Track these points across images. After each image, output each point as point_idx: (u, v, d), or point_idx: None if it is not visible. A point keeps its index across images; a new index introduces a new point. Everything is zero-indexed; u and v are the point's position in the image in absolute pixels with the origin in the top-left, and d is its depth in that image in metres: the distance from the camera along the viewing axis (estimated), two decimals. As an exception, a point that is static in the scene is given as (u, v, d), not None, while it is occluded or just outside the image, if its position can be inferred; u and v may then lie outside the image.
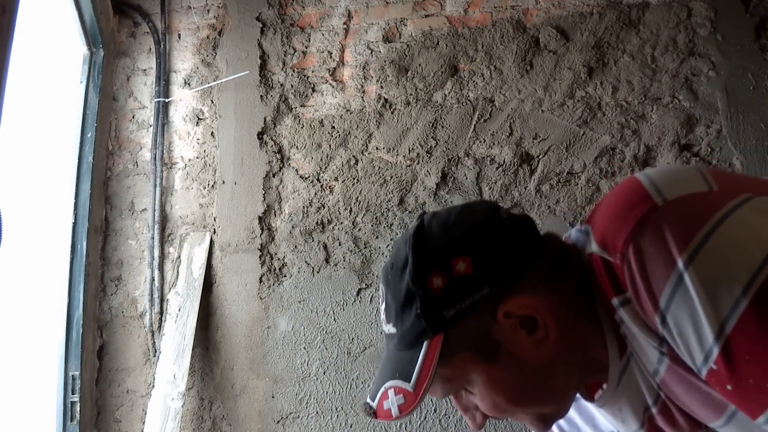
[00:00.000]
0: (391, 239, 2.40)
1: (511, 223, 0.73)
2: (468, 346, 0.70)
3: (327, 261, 2.43)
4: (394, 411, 0.70)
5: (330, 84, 2.57)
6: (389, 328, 0.74)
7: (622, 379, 0.73)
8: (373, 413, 0.74)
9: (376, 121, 2.50)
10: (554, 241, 0.75)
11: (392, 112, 2.49)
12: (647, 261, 0.61)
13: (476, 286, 0.69)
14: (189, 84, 2.66)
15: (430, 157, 2.44)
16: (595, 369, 0.74)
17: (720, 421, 0.67)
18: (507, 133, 2.41)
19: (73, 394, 2.33)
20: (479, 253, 0.69)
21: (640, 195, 0.64)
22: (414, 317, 0.70)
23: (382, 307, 0.75)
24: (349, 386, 2.33)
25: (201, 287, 2.44)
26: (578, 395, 0.80)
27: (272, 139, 2.56)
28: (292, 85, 2.58)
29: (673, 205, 0.62)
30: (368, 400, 0.74)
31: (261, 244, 2.48)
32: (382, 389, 0.72)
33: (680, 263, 0.59)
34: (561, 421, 0.90)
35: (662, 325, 0.62)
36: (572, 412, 0.90)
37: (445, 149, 2.43)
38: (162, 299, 2.47)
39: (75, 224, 2.45)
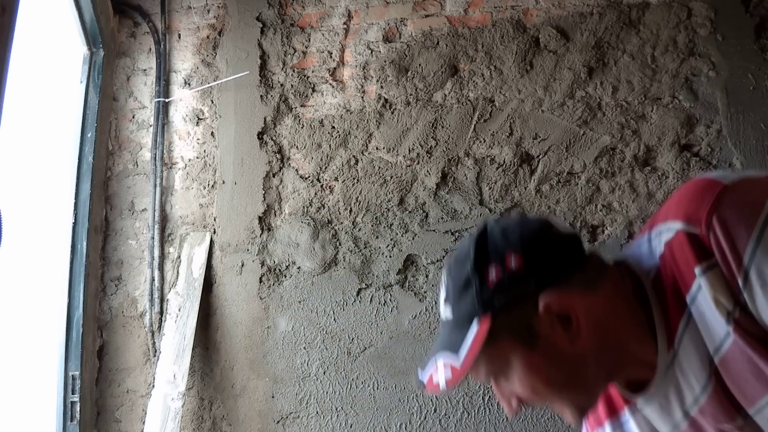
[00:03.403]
0: (391, 239, 2.40)
1: (560, 234, 0.86)
2: (512, 332, 0.80)
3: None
4: (442, 384, 0.80)
5: (330, 84, 2.57)
6: (446, 312, 0.85)
7: (669, 370, 0.82)
8: (423, 385, 0.83)
9: (376, 121, 2.50)
10: (596, 256, 0.87)
11: (392, 112, 2.49)
12: (730, 226, 0.72)
13: (525, 280, 0.80)
14: (189, 84, 2.66)
15: (430, 157, 2.44)
16: (631, 365, 0.83)
17: (765, 398, 0.76)
18: (507, 133, 2.41)
19: (73, 394, 2.33)
20: (530, 254, 0.81)
21: (710, 181, 0.77)
22: (469, 301, 0.81)
23: (442, 293, 0.87)
24: (349, 386, 2.33)
25: (201, 287, 2.44)
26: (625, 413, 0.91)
27: (272, 139, 2.56)
28: (292, 85, 2.58)
29: (740, 183, 0.76)
30: (419, 373, 0.84)
31: (261, 244, 2.48)
32: (433, 363, 0.82)
33: (759, 223, 0.71)
34: None
35: (744, 284, 0.72)
36: None
37: (445, 149, 2.43)
38: (162, 299, 2.47)
39: (75, 224, 2.45)
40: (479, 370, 0.82)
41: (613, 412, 0.93)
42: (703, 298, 0.75)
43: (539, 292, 0.79)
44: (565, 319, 0.79)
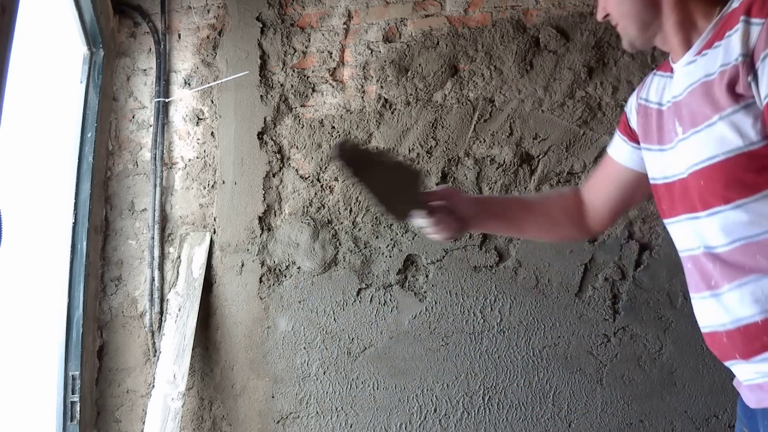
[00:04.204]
0: (391, 239, 2.40)
1: None
2: None
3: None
4: None
5: (330, 84, 2.57)
6: None
7: (703, 54, 1.01)
8: None
9: (376, 121, 2.50)
10: None
11: (392, 112, 2.49)
12: None
13: None
14: (189, 84, 2.66)
15: (430, 157, 2.44)
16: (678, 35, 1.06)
17: (715, 116, 0.96)
18: (507, 133, 2.41)
19: (73, 394, 2.34)
20: None
21: None
22: None
23: None
24: (349, 386, 2.34)
25: (201, 287, 2.44)
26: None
27: (272, 139, 2.56)
28: (292, 85, 2.59)
29: None
30: None
31: (261, 244, 2.48)
32: None
33: None
34: None
35: (762, 60, 0.89)
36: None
37: (445, 149, 2.43)
38: (162, 299, 2.47)
39: (75, 224, 2.45)
40: None
41: (664, 68, 1.18)
42: (734, 39, 0.93)
43: None
44: None
